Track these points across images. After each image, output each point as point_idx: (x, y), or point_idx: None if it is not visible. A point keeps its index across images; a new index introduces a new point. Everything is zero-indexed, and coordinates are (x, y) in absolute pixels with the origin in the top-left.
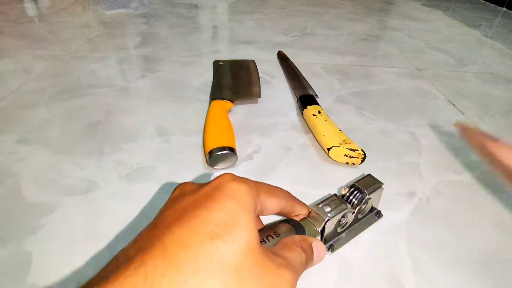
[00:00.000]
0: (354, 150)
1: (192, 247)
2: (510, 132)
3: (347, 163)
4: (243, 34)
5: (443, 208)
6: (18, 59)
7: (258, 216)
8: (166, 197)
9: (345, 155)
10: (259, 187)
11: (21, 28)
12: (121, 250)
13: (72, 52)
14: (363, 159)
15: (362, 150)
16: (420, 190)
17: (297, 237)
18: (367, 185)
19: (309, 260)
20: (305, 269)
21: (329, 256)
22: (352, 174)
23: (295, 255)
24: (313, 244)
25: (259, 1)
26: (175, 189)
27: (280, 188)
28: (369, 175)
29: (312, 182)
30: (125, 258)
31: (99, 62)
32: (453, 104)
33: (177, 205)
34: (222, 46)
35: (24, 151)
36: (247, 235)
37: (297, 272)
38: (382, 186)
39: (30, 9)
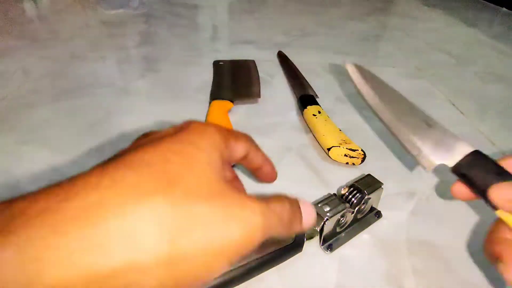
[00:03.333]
0: (354, 150)
1: (137, 166)
2: (510, 132)
3: (347, 163)
4: (243, 34)
5: (443, 208)
6: (17, 59)
7: (230, 166)
8: None
9: (345, 155)
10: (228, 132)
11: (20, 27)
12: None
13: (71, 52)
14: (363, 159)
15: (362, 150)
16: (420, 190)
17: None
18: (366, 185)
19: (294, 217)
20: (288, 229)
21: (328, 256)
22: (352, 174)
23: (278, 204)
24: (300, 201)
25: (259, 0)
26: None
27: (241, 132)
28: (368, 175)
29: (312, 182)
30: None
31: (98, 62)
32: (453, 104)
33: (135, 142)
34: (222, 45)
35: (24, 151)
36: (206, 157)
37: (273, 219)
38: (382, 186)
39: (30, 9)
